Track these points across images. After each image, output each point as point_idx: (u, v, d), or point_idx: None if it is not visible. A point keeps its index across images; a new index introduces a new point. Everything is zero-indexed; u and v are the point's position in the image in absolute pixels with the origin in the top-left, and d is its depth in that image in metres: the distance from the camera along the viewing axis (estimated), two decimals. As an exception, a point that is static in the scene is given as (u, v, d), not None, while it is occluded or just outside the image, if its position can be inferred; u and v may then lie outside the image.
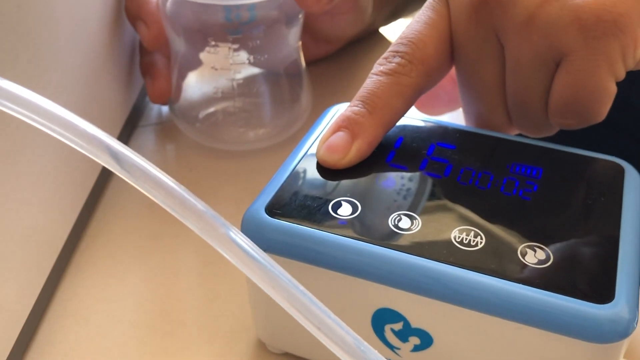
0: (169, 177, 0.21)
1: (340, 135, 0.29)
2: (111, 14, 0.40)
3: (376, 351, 0.21)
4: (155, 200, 0.21)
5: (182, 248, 0.37)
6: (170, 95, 0.43)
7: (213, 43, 0.39)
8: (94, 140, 0.20)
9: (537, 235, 0.26)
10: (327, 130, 0.30)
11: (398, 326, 0.26)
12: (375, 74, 0.31)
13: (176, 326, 0.32)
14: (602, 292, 0.23)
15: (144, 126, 0.46)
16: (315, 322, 0.21)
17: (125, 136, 0.44)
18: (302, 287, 0.21)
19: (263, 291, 0.28)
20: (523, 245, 0.25)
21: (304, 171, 0.29)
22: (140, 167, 0.20)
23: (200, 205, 0.21)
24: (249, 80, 0.42)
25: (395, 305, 0.26)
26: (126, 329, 0.32)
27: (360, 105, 0.30)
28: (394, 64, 0.30)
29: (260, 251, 0.21)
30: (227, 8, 0.38)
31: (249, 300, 0.30)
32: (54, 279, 0.34)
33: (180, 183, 0.42)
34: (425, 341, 0.26)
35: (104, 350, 0.31)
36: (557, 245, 0.25)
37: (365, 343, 0.21)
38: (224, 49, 0.39)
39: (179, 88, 0.43)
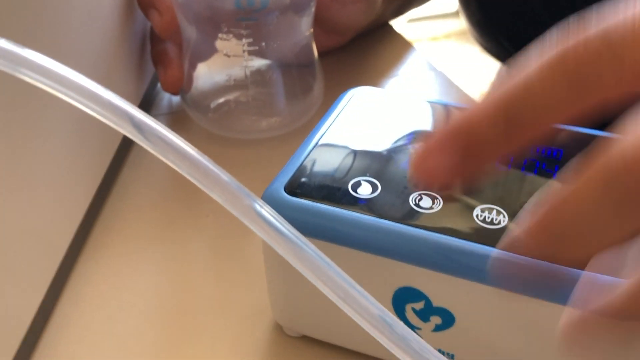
0: (193, 147, 0.21)
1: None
2: (123, 3, 0.40)
3: (402, 322, 0.20)
4: (179, 171, 0.20)
5: (195, 235, 0.37)
6: (182, 84, 0.43)
7: (225, 29, 0.39)
8: (117, 110, 0.20)
9: None
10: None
11: (419, 305, 0.26)
12: None
13: (190, 311, 0.32)
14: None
15: (155, 115, 0.46)
16: (340, 294, 0.20)
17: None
18: (327, 259, 0.21)
19: (281, 273, 0.28)
20: None
21: (323, 153, 0.29)
22: (163, 138, 0.20)
23: (224, 176, 0.20)
24: (262, 70, 0.42)
25: (417, 283, 0.25)
26: (140, 314, 0.32)
27: None
28: None
29: (286, 222, 0.21)
30: (238, -5, 0.38)
31: (266, 283, 0.30)
32: (67, 266, 0.34)
33: (193, 171, 0.42)
34: (447, 320, 0.26)
35: (118, 336, 0.31)
36: None
37: (390, 314, 0.20)
38: (236, 36, 0.39)
39: (190, 77, 0.43)
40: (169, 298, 0.33)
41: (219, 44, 0.40)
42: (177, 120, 0.46)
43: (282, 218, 0.21)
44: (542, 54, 0.18)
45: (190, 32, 0.41)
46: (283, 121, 0.43)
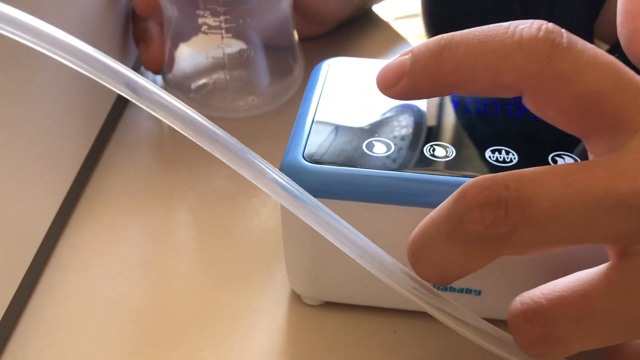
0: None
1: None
2: (104, -17, 0.41)
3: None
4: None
5: (179, 206, 0.38)
6: (164, 64, 0.44)
7: (203, 6, 0.40)
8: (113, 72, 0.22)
9: (560, 146, 0.28)
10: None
11: None
12: None
13: (175, 277, 0.33)
14: None
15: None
16: (358, 252, 0.24)
17: (120, 106, 0.44)
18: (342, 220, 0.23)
19: (301, 242, 0.29)
20: (552, 155, 0.27)
21: (325, 121, 0.30)
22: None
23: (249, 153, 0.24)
24: (240, 49, 0.43)
25: None
26: (125, 280, 0.33)
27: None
28: None
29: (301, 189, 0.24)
30: (219, -27, 0.39)
31: (284, 254, 0.30)
32: (53, 235, 0.34)
33: (177, 147, 0.43)
34: None
35: (103, 301, 0.32)
36: (579, 151, 0.27)
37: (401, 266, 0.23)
38: (214, 13, 0.40)
39: (172, 57, 0.44)
40: (154, 265, 0.34)
41: (198, 20, 0.41)
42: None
43: (297, 185, 0.24)
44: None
45: (171, 11, 0.41)
46: (261, 101, 0.44)
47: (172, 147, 0.42)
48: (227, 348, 0.30)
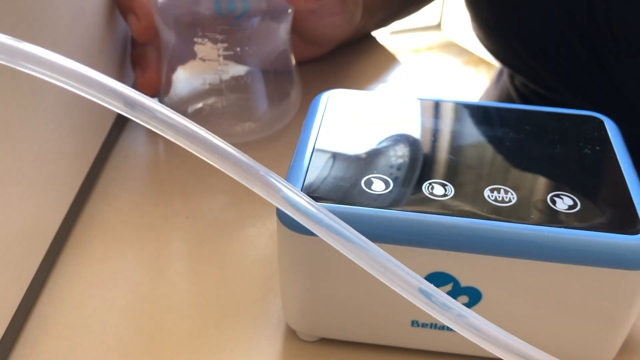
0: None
1: None
2: (105, 7, 0.41)
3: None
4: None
5: (175, 236, 0.37)
6: (160, 88, 0.43)
7: (201, 34, 0.40)
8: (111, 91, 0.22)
9: (559, 185, 0.28)
10: None
11: (447, 288, 0.27)
12: None
13: (167, 311, 0.33)
14: (630, 224, 0.26)
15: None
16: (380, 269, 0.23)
17: (117, 130, 0.44)
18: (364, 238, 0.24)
19: (299, 276, 0.29)
20: (550, 195, 0.27)
21: (323, 156, 0.30)
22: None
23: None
24: (237, 75, 0.43)
25: (445, 267, 0.26)
26: (120, 313, 0.32)
27: None
28: None
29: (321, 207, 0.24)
30: (217, 0, 0.38)
31: (280, 288, 0.30)
32: (47, 265, 0.34)
33: (174, 174, 0.42)
34: (474, 298, 0.27)
35: (97, 334, 0.31)
36: (580, 191, 0.27)
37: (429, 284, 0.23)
38: (211, 40, 0.40)
39: (169, 81, 0.43)
40: (148, 297, 0.33)
41: (195, 48, 0.41)
42: (156, 125, 0.46)
43: (313, 201, 0.23)
44: None
45: (169, 36, 0.41)
46: (258, 127, 0.43)
47: (168, 174, 0.42)
48: (221, 385, 0.29)
